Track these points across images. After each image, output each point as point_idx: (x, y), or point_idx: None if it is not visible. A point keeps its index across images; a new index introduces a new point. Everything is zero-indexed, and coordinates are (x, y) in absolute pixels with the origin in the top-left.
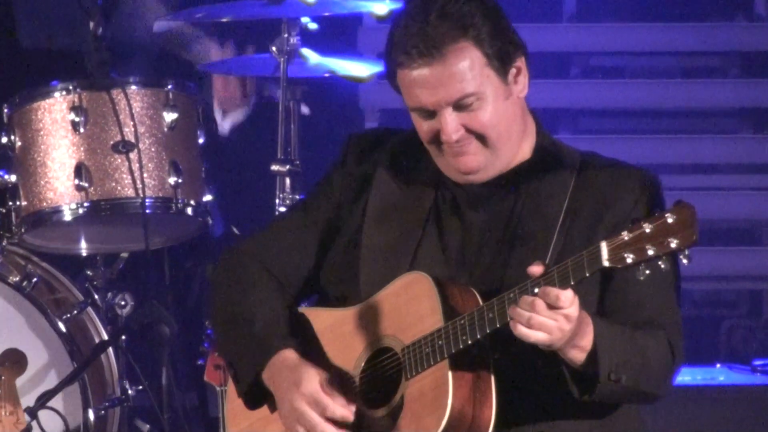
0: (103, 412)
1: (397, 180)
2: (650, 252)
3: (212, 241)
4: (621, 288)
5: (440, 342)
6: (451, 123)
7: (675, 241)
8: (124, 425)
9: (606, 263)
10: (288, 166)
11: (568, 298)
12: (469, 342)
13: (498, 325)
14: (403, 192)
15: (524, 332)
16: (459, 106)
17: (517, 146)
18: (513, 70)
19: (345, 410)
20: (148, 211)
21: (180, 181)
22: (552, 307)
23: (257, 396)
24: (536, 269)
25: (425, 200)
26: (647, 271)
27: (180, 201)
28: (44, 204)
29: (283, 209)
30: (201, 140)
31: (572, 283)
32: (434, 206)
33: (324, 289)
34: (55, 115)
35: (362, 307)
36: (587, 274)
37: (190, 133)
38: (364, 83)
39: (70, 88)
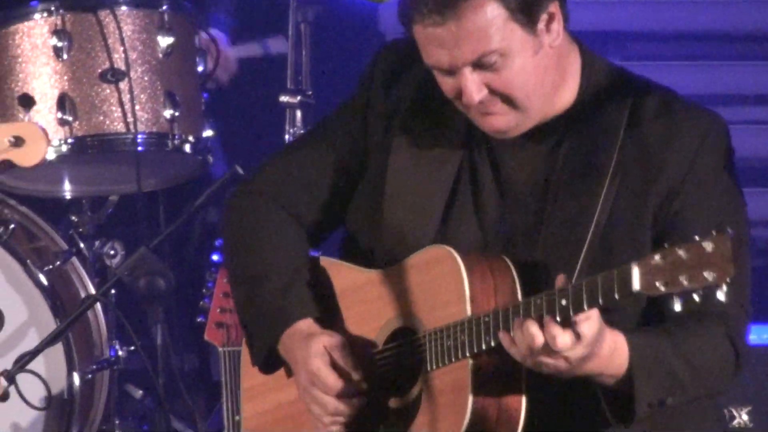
0: (89, 375)
1: (425, 120)
2: (685, 283)
3: (213, 182)
4: None
5: (463, 338)
6: (471, 84)
7: (712, 275)
8: (113, 391)
9: (636, 288)
10: (299, 97)
11: (565, 343)
12: (492, 344)
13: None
14: (433, 135)
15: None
16: (480, 65)
17: (554, 97)
18: (544, 17)
19: (349, 385)
20: (140, 148)
21: (176, 114)
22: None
23: (273, 365)
24: (561, 280)
25: (456, 148)
26: (681, 301)
27: (177, 137)
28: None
29: None
30: (200, 68)
31: (600, 303)
32: (467, 156)
33: (351, 235)
34: (35, 39)
35: (388, 272)
36: (617, 298)
37: (187, 60)
38: (383, 2)
39: (52, 8)
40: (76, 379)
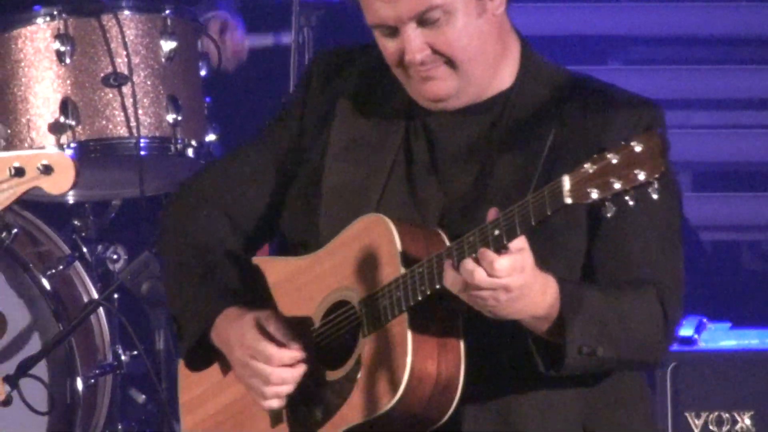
0: (92, 380)
1: (363, 109)
2: (616, 186)
3: None
4: (608, 236)
5: (398, 293)
6: (414, 40)
7: (642, 173)
8: (116, 395)
9: (568, 200)
10: None
11: (503, 266)
12: (428, 292)
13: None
14: (370, 124)
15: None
16: (423, 21)
17: (494, 71)
18: None
19: (290, 351)
20: (143, 152)
21: (179, 118)
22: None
23: (201, 358)
24: (493, 213)
25: (395, 133)
26: (614, 208)
27: (179, 141)
28: (25, 144)
29: None
30: (203, 72)
31: (533, 223)
32: (404, 140)
33: (283, 233)
34: (38, 44)
35: (318, 255)
36: (549, 213)
37: (190, 64)
38: None
39: (55, 13)
40: (79, 383)
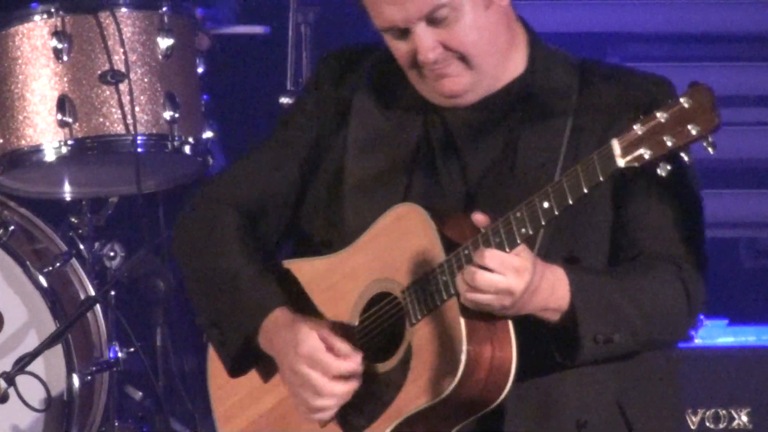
0: (89, 377)
1: (379, 106)
2: (669, 143)
3: None
4: (632, 214)
5: (444, 278)
6: (425, 40)
7: (696, 128)
8: (113, 392)
9: (620, 162)
10: None
11: (493, 258)
12: None
13: (507, 250)
14: (388, 119)
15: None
16: (432, 20)
17: (506, 60)
18: None
19: (350, 363)
20: (140, 149)
21: (176, 115)
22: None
23: (244, 364)
24: (481, 219)
25: (413, 126)
26: (668, 167)
27: (176, 138)
28: (23, 142)
29: None
30: (200, 69)
31: (585, 191)
32: (423, 134)
33: (307, 233)
34: (35, 41)
35: (350, 251)
36: (601, 179)
37: (187, 61)
38: None
39: (52, 10)
40: (76, 380)
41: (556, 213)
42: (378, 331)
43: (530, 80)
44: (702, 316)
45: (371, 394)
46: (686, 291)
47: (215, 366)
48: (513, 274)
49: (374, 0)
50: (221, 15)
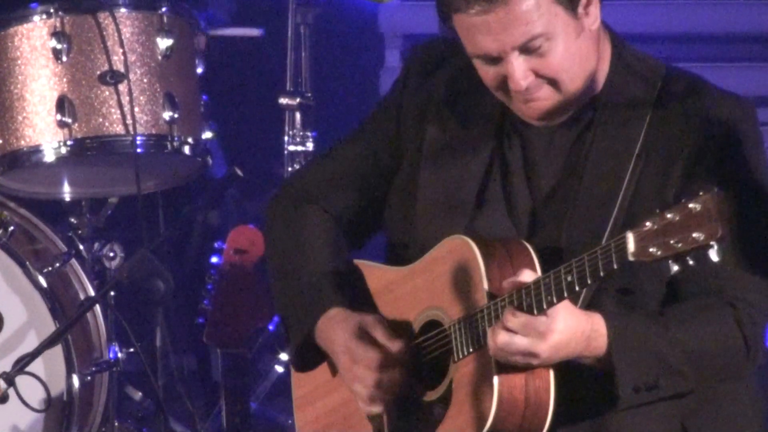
0: (89, 377)
1: (456, 111)
2: (676, 246)
3: (212, 184)
4: None
5: (483, 324)
6: (518, 69)
7: (700, 235)
8: (113, 392)
9: (631, 257)
10: (298, 99)
11: (515, 322)
12: None
13: (535, 313)
14: (463, 127)
15: None
16: (526, 49)
17: (591, 80)
18: (582, 1)
19: (392, 356)
20: (139, 150)
21: (176, 116)
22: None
23: (309, 358)
24: (508, 285)
25: (487, 138)
26: (676, 267)
27: (176, 139)
28: (22, 143)
29: (292, 148)
30: (199, 70)
31: (602, 275)
32: (498, 146)
33: (389, 231)
34: (34, 41)
35: (414, 268)
36: (615, 267)
37: (187, 61)
38: (384, 3)
39: (51, 10)
40: (76, 381)
41: (577, 289)
42: (429, 357)
43: (606, 98)
44: None
45: (418, 417)
46: (743, 333)
47: None
48: (536, 337)
49: (468, 28)
50: (216, 17)
